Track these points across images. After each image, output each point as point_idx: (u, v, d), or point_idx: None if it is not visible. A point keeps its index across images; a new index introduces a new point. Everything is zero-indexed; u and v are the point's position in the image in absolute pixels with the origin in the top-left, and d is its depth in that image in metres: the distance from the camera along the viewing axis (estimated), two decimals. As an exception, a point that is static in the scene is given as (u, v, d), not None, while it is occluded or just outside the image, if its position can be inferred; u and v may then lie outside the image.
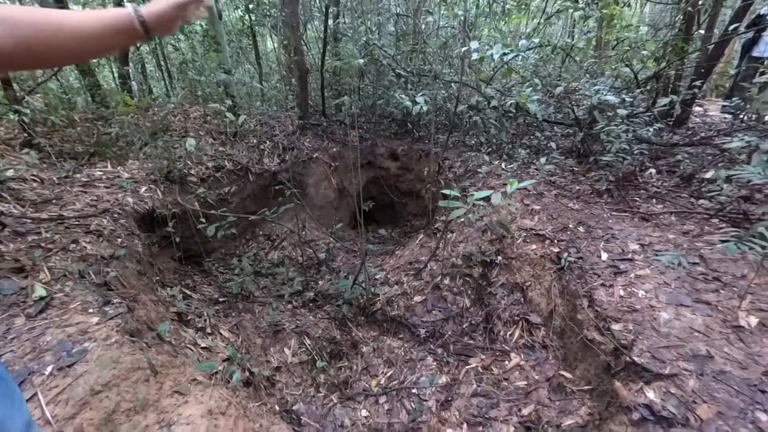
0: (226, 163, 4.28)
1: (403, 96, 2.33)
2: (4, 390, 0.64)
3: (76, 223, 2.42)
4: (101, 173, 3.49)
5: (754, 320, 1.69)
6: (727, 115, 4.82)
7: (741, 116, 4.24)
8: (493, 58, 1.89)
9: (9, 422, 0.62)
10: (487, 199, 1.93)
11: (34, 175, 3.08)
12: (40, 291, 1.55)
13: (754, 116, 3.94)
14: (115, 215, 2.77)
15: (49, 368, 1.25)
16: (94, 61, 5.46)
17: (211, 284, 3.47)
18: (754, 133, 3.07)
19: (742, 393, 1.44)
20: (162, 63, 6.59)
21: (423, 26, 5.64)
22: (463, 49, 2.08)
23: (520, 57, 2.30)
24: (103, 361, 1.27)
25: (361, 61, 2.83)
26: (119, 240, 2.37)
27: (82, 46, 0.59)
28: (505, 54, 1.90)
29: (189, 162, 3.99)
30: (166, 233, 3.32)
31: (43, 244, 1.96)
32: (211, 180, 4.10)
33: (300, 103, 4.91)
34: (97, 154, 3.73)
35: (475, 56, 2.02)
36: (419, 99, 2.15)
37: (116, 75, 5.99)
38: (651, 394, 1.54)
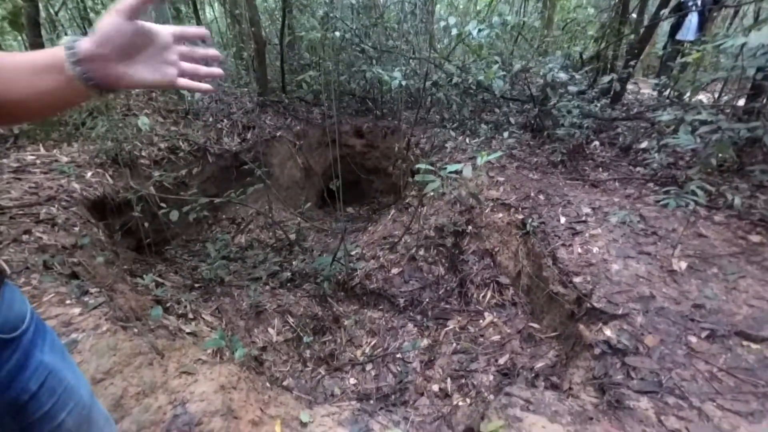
0: (181, 143, 3.99)
1: (380, 71, 2.32)
2: (71, 360, 0.64)
3: (21, 212, 2.16)
4: (34, 157, 3.10)
5: (684, 264, 2.03)
6: (654, 93, 5.42)
7: (666, 93, 4.79)
8: (471, 34, 1.96)
9: (81, 389, 0.63)
10: (457, 172, 2.05)
11: (-50, 163, 2.67)
12: (2, 285, 1.40)
13: (676, 93, 4.48)
14: (64, 203, 2.51)
15: (37, 363, 1.16)
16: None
17: (178, 272, 3.30)
18: (678, 108, 3.52)
19: (678, 323, 1.75)
20: (87, 31, 5.79)
21: (381, 0, 5.52)
22: (443, 23, 2.12)
23: (478, 33, 2.38)
24: (100, 350, 1.20)
25: (337, 33, 2.74)
26: (76, 228, 2.17)
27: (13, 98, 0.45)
28: (480, 30, 1.98)
29: (138, 143, 3.66)
30: (122, 222, 3.07)
31: (-12, 237, 1.75)
32: (166, 162, 3.80)
33: (259, 78, 4.65)
34: (26, 136, 3.28)
35: (454, 31, 2.07)
36: (396, 73, 2.18)
37: (27, 46, 5.16)
38: (608, 332, 1.81)
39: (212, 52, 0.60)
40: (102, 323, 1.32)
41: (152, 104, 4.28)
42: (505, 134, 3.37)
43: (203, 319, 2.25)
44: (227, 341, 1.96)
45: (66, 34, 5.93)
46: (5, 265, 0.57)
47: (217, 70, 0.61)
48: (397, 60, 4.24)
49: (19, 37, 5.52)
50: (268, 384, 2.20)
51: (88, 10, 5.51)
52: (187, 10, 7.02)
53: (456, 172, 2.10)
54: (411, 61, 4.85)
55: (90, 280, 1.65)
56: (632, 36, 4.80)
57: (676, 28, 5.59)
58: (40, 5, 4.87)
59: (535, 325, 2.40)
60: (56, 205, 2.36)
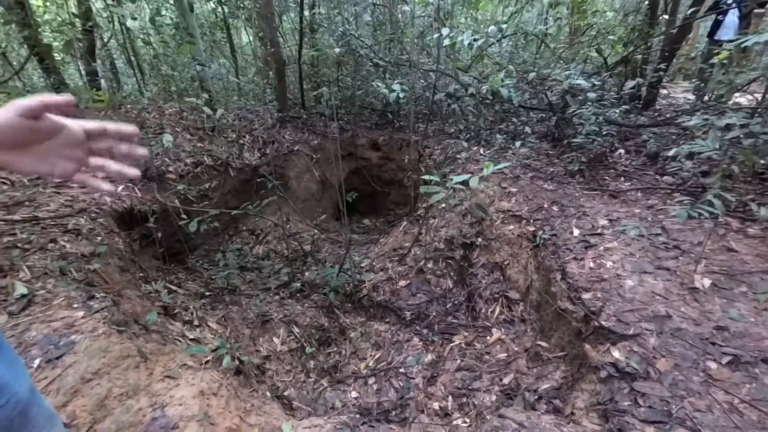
0: (205, 158, 4.23)
1: (379, 84, 2.37)
2: (9, 356, 0.67)
3: (53, 223, 2.38)
4: (75, 173, 3.40)
5: (707, 282, 1.85)
6: (691, 96, 5.06)
7: (702, 96, 4.46)
8: (464, 44, 1.95)
9: (16, 386, 0.66)
10: (465, 183, 2.01)
11: (3, 178, 2.99)
12: (21, 289, 1.55)
13: (713, 96, 4.16)
14: (93, 214, 2.73)
15: (37, 361, 1.26)
16: (58, 58, 5.26)
17: (196, 280, 3.46)
18: (713, 112, 3.26)
19: (696, 346, 1.58)
20: (132, 58, 6.39)
21: (399, 15, 5.64)
22: (436, 35, 2.14)
23: (495, 44, 2.35)
24: (92, 351, 1.29)
25: (338, 50, 2.84)
26: (98, 238, 2.35)
27: None
28: (475, 40, 1.97)
29: (167, 159, 3.93)
30: (146, 232, 3.28)
31: (19, 245, 1.94)
32: (191, 176, 4.05)
33: (278, 95, 4.87)
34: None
35: (446, 42, 2.07)
36: (395, 86, 2.20)
37: (83, 72, 5.77)
38: (616, 354, 1.67)
39: (138, 151, 0.57)
40: (99, 326, 1.42)
41: (182, 122, 4.60)
42: (518, 144, 3.27)
43: (208, 326, 2.33)
44: (227, 349, 2.02)
45: (113, 62, 6.58)
46: None
47: (130, 171, 0.57)
48: (411, 73, 4.29)
49: (73, 64, 6.19)
50: (267, 393, 2.23)
51: (133, 37, 6.10)
52: (221, 35, 7.56)
53: (463, 183, 2.06)
54: (431, 73, 4.89)
55: (101, 286, 1.78)
56: (662, 38, 4.54)
57: (715, 27, 5.24)
58: (96, 36, 5.47)
59: (544, 344, 2.26)
60: (85, 217, 2.57)
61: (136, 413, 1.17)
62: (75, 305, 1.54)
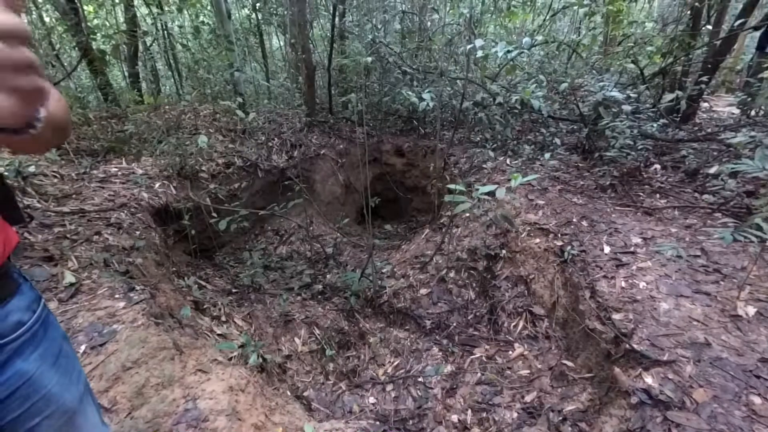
0: (236, 159, 4.39)
1: (409, 92, 2.39)
2: (65, 365, 0.68)
3: (97, 216, 2.53)
4: (117, 170, 3.60)
5: (752, 310, 1.74)
6: (736, 111, 4.81)
7: (748, 111, 4.23)
8: (498, 56, 1.95)
9: (66, 396, 0.66)
10: (491, 193, 1.99)
11: (54, 171, 3.21)
12: (69, 278, 1.66)
13: (761, 111, 3.94)
14: (132, 209, 2.88)
15: (83, 347, 1.35)
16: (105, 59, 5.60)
17: (223, 277, 3.57)
18: (760, 129, 3.09)
19: (738, 378, 1.49)
20: (171, 62, 6.72)
21: (428, 23, 5.68)
22: (468, 46, 2.14)
23: (525, 54, 2.33)
24: (132, 341, 1.36)
25: (369, 59, 2.89)
26: (137, 232, 2.48)
27: None
28: (509, 51, 1.96)
29: (200, 159, 4.10)
30: (179, 227, 3.43)
31: (68, 236, 2.07)
32: (222, 176, 4.20)
33: (307, 100, 5.00)
34: (113, 151, 3.85)
35: (479, 54, 2.07)
36: (425, 95, 2.22)
37: (126, 74, 6.12)
38: (649, 380, 1.60)
39: None
40: (139, 317, 1.50)
41: (215, 124, 4.79)
42: (547, 155, 3.21)
43: (234, 322, 2.40)
44: (252, 347, 2.07)
45: (155, 65, 6.94)
46: (21, 276, 0.62)
47: None
48: (438, 81, 4.30)
49: (117, 66, 6.57)
50: (288, 392, 2.27)
51: (174, 43, 6.42)
52: (254, 40, 7.84)
53: (489, 193, 2.05)
54: (458, 81, 4.88)
55: (139, 279, 1.88)
56: (704, 49, 4.35)
57: (765, 39, 4.97)
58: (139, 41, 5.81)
59: (569, 363, 2.19)
60: (125, 211, 2.72)
61: (170, 403, 1.23)
62: (117, 296, 1.63)
